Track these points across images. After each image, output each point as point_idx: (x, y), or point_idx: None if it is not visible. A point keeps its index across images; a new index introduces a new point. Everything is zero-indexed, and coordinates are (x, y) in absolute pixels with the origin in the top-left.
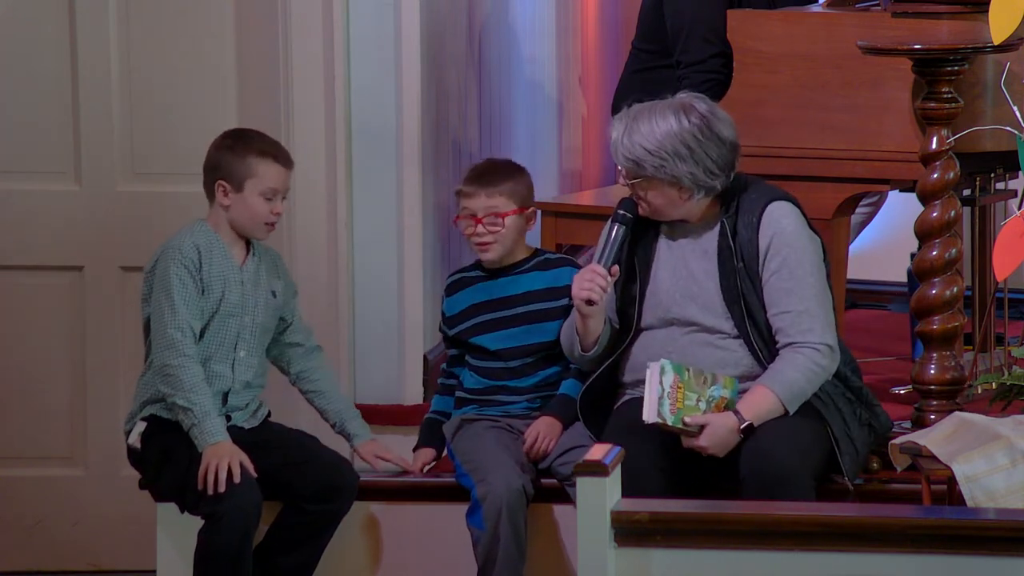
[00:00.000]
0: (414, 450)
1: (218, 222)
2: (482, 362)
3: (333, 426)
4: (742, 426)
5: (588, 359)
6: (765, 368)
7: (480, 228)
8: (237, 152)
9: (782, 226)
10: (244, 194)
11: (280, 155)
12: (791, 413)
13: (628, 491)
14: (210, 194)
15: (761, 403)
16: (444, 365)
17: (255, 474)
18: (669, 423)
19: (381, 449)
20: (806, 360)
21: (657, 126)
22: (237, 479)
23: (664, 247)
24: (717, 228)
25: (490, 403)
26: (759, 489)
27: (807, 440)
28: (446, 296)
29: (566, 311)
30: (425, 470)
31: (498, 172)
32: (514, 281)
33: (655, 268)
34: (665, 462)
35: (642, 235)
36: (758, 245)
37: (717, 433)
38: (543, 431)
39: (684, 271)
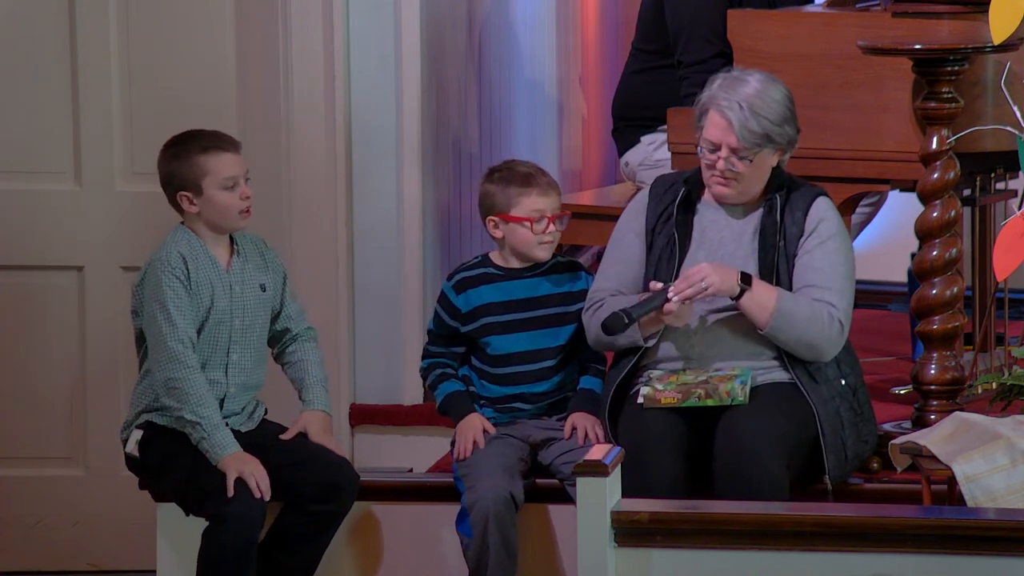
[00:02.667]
0: (459, 425)
1: (196, 226)
2: (494, 368)
3: (299, 393)
4: (742, 273)
5: (637, 346)
6: (780, 351)
7: (552, 227)
8: (182, 158)
9: (830, 216)
10: (206, 195)
11: (224, 143)
12: (770, 328)
13: (643, 476)
14: (177, 207)
15: (763, 286)
16: (427, 361)
17: (268, 496)
18: (659, 388)
19: (316, 426)
20: (820, 308)
21: (767, 95)
22: (257, 494)
23: (699, 231)
24: (760, 210)
25: (505, 410)
26: (729, 467)
27: (785, 425)
28: (456, 292)
29: (580, 315)
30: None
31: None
32: (536, 283)
33: (691, 249)
34: (681, 446)
35: (681, 218)
36: (803, 227)
37: (716, 267)
38: (586, 424)
39: (721, 251)
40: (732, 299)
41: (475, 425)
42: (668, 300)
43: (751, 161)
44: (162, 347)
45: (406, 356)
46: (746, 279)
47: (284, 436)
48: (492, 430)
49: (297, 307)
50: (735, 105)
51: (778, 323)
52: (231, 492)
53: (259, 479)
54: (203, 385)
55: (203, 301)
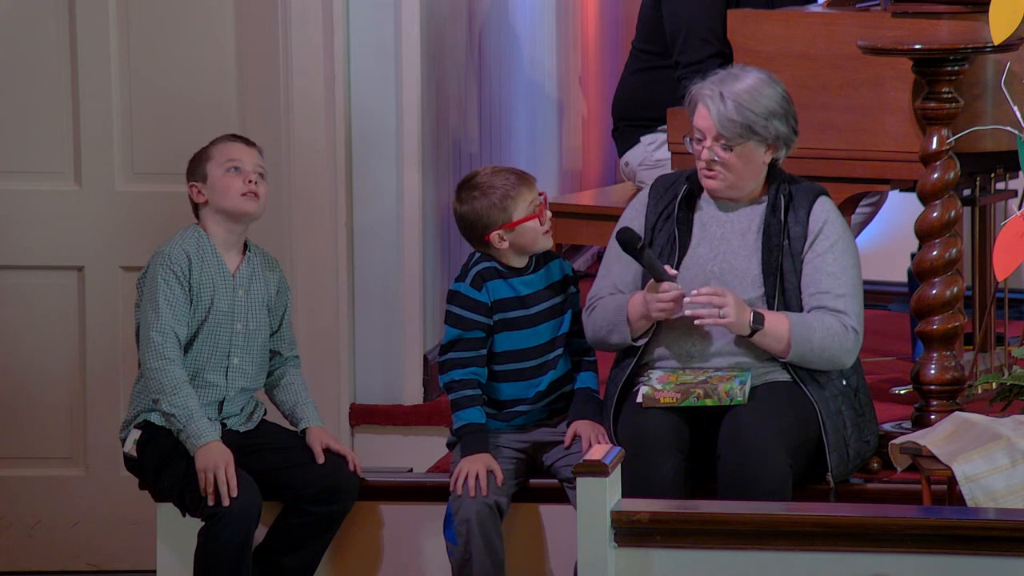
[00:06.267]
0: (464, 455)
1: (209, 226)
2: (495, 365)
3: (286, 415)
4: (753, 312)
5: (629, 345)
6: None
7: (548, 213)
8: (195, 157)
9: (834, 217)
10: (210, 179)
11: (233, 136)
12: (790, 357)
13: (643, 476)
14: (194, 207)
15: (774, 319)
16: (456, 374)
17: (233, 469)
18: (658, 388)
19: (327, 436)
20: (832, 321)
21: (755, 89)
22: (235, 491)
23: (700, 228)
24: (762, 207)
25: (508, 416)
26: (733, 465)
27: (788, 423)
28: (477, 288)
29: (572, 300)
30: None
31: None
32: (531, 280)
33: (692, 245)
34: (681, 445)
35: (683, 214)
36: (807, 227)
37: (739, 302)
38: (590, 433)
39: (723, 246)
40: (744, 336)
41: (480, 465)
42: (676, 286)
43: (733, 151)
44: (145, 336)
45: (406, 356)
46: (758, 319)
47: (320, 460)
48: (499, 478)
49: (291, 336)
50: (717, 94)
51: (797, 349)
52: (211, 500)
53: (228, 463)
54: (178, 376)
55: (203, 301)
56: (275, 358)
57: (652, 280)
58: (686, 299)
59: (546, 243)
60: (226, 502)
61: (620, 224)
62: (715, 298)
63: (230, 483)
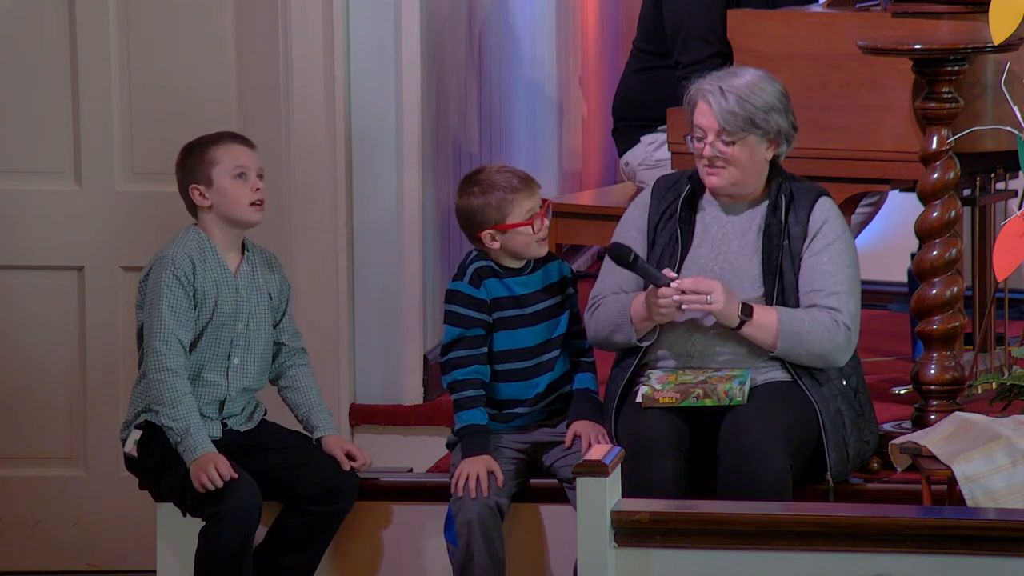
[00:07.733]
0: (465, 456)
1: (209, 228)
2: (493, 365)
3: (299, 420)
4: (742, 304)
5: (633, 345)
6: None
7: (546, 221)
8: (194, 154)
9: (834, 217)
10: (216, 184)
11: (235, 136)
12: (779, 350)
13: (643, 476)
14: (192, 207)
15: (763, 311)
16: (458, 374)
17: (236, 474)
18: (657, 388)
19: (345, 442)
20: (823, 316)
21: (754, 84)
22: (218, 482)
23: (701, 228)
24: (763, 208)
25: (508, 417)
26: (733, 465)
27: (788, 423)
28: (475, 286)
29: (570, 302)
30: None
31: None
32: (527, 280)
33: (694, 246)
34: (681, 445)
35: (684, 215)
36: (807, 227)
37: (727, 290)
38: (590, 433)
39: (724, 246)
40: (732, 329)
41: (480, 466)
42: (675, 289)
43: (735, 145)
44: (148, 345)
45: (406, 356)
46: (746, 311)
47: (346, 468)
48: (500, 479)
49: (294, 328)
50: (717, 90)
51: (785, 343)
52: (213, 488)
53: (219, 464)
54: (180, 388)
55: (208, 303)
56: (281, 350)
57: (652, 286)
58: (672, 285)
59: (538, 251)
60: (212, 489)
61: (620, 226)
62: (700, 286)
63: (222, 473)
